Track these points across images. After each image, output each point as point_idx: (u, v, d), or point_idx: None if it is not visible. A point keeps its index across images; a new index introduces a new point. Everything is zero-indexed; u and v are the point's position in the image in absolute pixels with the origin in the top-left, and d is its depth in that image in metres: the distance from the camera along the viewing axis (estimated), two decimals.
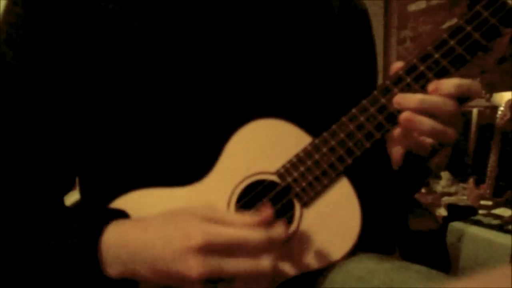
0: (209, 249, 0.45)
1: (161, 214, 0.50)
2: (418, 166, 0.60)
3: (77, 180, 0.66)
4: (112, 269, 0.49)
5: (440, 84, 0.52)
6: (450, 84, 0.52)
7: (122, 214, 0.53)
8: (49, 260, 0.50)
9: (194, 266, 0.44)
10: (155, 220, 0.49)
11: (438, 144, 0.54)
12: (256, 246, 0.45)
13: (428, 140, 0.54)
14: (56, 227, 0.52)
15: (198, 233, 0.45)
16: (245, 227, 0.46)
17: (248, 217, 0.47)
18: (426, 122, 0.52)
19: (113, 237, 0.49)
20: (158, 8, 0.58)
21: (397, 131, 0.55)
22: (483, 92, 1.89)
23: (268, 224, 0.47)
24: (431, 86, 0.52)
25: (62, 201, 0.62)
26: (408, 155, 0.58)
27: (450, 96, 0.51)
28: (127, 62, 0.56)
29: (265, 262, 0.45)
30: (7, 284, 0.52)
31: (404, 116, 0.53)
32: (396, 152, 0.58)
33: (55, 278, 0.50)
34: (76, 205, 0.69)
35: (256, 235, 0.45)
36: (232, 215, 0.50)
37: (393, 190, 0.67)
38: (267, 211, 0.48)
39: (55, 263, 0.50)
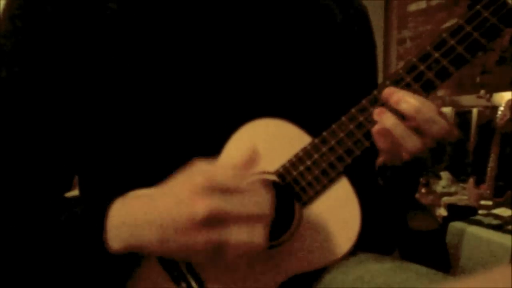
0: (213, 189, 0.45)
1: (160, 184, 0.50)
2: (407, 171, 0.60)
3: (76, 179, 0.66)
4: (116, 242, 0.48)
5: (404, 98, 0.52)
6: (410, 104, 0.51)
7: None
8: (53, 238, 0.51)
9: (200, 205, 0.44)
10: (156, 190, 0.50)
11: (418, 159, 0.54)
12: (255, 185, 0.47)
13: (403, 151, 0.53)
14: (60, 210, 0.52)
15: (199, 176, 0.45)
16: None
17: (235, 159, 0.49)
18: (390, 120, 0.52)
19: (118, 209, 0.49)
20: (159, 7, 0.58)
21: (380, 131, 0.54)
22: (483, 92, 1.89)
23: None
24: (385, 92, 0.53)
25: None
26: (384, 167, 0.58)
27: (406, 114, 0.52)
28: (127, 61, 0.56)
29: (265, 202, 0.46)
30: (10, 267, 0.53)
31: (376, 109, 0.53)
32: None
33: (59, 256, 0.51)
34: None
35: (253, 179, 0.47)
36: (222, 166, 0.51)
37: (390, 191, 0.67)
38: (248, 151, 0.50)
39: (59, 241, 0.50)
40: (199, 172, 0.46)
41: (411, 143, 0.52)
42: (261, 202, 0.46)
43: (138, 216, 0.48)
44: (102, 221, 0.49)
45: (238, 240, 0.45)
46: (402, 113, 0.52)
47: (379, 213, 0.69)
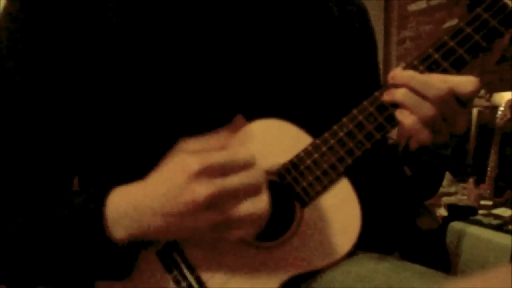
0: (208, 171, 0.46)
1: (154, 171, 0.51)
2: (431, 163, 0.60)
3: (76, 180, 0.66)
4: (118, 232, 0.49)
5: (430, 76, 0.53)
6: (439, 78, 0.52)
7: None
8: (55, 231, 0.51)
9: (199, 190, 0.45)
10: (151, 175, 0.50)
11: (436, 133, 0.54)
12: (246, 159, 0.48)
13: (425, 131, 0.53)
14: (59, 202, 0.53)
15: (193, 161, 0.46)
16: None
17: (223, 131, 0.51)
18: (400, 93, 0.53)
19: (117, 198, 0.50)
20: (159, 8, 0.58)
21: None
22: (483, 92, 1.89)
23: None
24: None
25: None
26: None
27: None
28: (126, 62, 0.56)
29: (258, 172, 0.48)
30: (11, 261, 0.53)
31: (385, 92, 0.54)
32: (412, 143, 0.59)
33: (61, 249, 0.51)
34: None
35: (243, 150, 0.49)
36: (208, 137, 0.52)
37: (405, 192, 0.67)
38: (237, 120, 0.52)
39: (61, 234, 0.50)
40: (191, 154, 0.47)
41: (425, 109, 0.52)
42: (254, 174, 0.48)
43: (140, 205, 0.48)
44: (101, 212, 0.49)
45: (242, 215, 0.47)
46: (403, 85, 0.53)
47: (380, 213, 0.69)
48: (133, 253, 0.53)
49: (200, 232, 0.48)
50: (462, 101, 0.53)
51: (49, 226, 0.51)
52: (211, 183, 0.45)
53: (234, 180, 0.47)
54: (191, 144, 0.49)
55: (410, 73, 0.53)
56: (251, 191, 0.47)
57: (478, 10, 0.51)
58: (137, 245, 0.52)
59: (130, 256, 0.53)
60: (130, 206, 0.49)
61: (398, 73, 0.54)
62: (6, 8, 0.57)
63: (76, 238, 0.50)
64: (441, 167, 0.62)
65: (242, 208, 0.47)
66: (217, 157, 0.47)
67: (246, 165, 0.48)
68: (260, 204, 0.47)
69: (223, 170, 0.47)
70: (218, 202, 0.46)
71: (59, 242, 0.51)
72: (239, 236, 0.48)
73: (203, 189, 0.45)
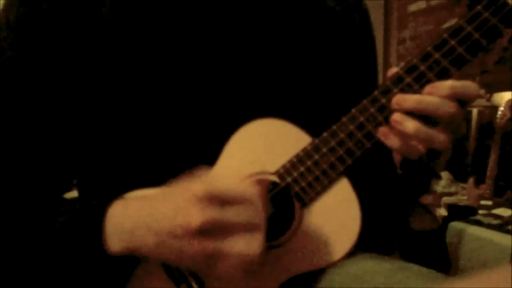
0: (209, 198, 0.45)
1: (161, 188, 0.51)
2: (419, 169, 0.59)
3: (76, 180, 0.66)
4: (114, 244, 0.49)
5: (435, 86, 0.52)
6: (444, 86, 0.51)
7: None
8: (53, 239, 0.51)
9: (196, 214, 0.44)
10: (157, 192, 0.50)
11: (432, 149, 0.53)
12: (251, 197, 0.47)
13: (420, 145, 0.53)
14: (58, 212, 0.52)
15: (198, 186, 0.46)
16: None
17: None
18: (412, 126, 0.51)
19: (117, 210, 0.50)
20: (157, 7, 0.58)
21: (387, 132, 0.54)
22: (483, 92, 1.89)
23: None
24: (426, 89, 0.52)
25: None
26: (407, 159, 0.57)
27: (445, 98, 0.51)
28: (126, 62, 0.56)
29: (258, 211, 0.47)
30: (9, 270, 0.52)
31: (393, 117, 0.53)
32: (395, 156, 0.58)
33: (58, 257, 0.51)
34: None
35: (250, 188, 0.48)
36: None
37: (396, 192, 0.67)
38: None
39: (59, 242, 0.50)
40: (199, 180, 0.47)
41: (440, 139, 0.52)
42: (255, 214, 0.47)
43: (137, 220, 0.48)
44: (100, 223, 0.49)
45: (233, 251, 0.45)
46: (419, 111, 0.52)
47: (379, 213, 0.69)
48: (129, 265, 0.53)
49: (189, 260, 0.47)
50: (463, 102, 0.52)
51: (48, 234, 0.51)
52: (209, 209, 0.45)
53: (233, 213, 0.46)
54: (205, 172, 0.49)
55: (417, 97, 0.52)
56: (247, 228, 0.46)
57: (478, 8, 0.51)
58: (134, 258, 0.51)
59: (126, 268, 0.53)
60: (128, 219, 0.49)
61: (403, 98, 0.52)
62: (5, 7, 0.57)
63: (73, 247, 0.50)
64: (430, 166, 0.62)
65: (235, 243, 0.45)
66: (223, 187, 0.46)
67: (250, 202, 0.47)
68: (253, 244, 0.46)
69: (226, 201, 0.46)
70: (212, 230, 0.45)
71: (56, 250, 0.51)
72: (227, 272, 0.47)
73: (200, 214, 0.44)
